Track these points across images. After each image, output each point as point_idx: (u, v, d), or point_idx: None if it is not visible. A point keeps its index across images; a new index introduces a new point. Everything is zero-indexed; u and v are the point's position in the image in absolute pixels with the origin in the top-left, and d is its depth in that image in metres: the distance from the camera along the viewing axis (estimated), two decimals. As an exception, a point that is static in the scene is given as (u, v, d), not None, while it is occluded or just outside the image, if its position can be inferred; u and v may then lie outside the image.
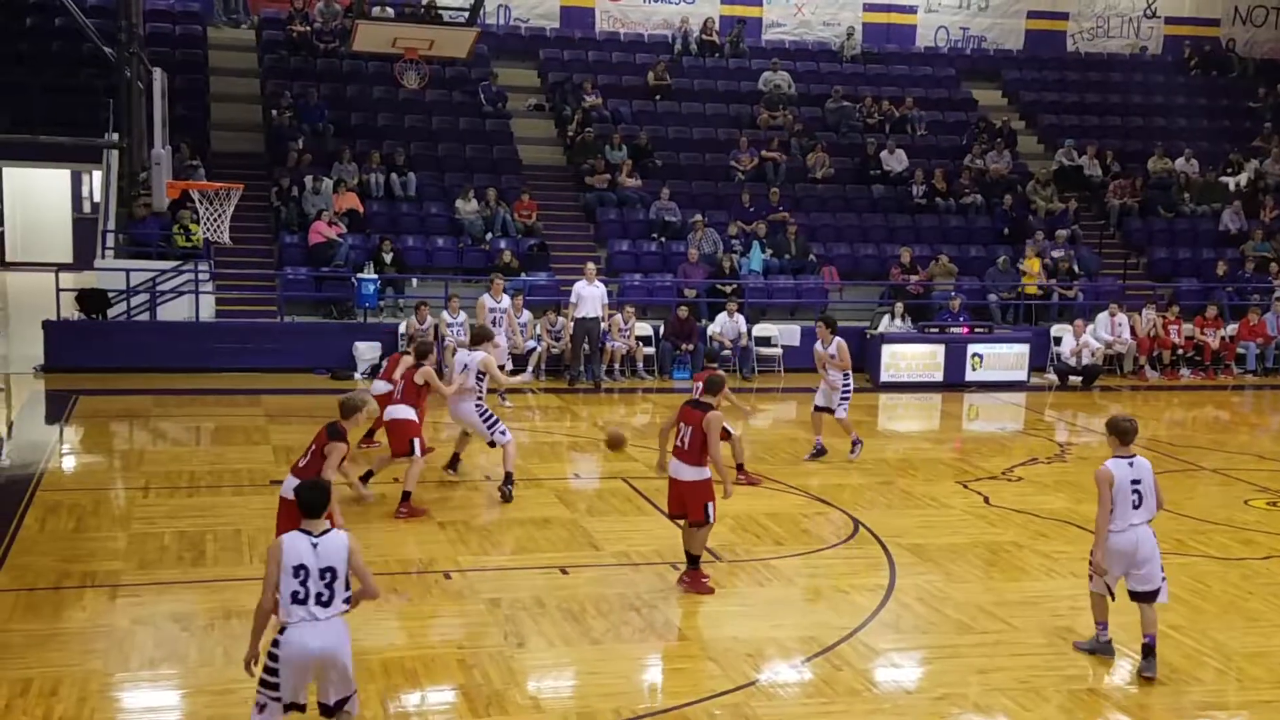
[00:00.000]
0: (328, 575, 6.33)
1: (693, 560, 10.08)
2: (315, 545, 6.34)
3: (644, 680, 8.53)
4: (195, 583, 9.80)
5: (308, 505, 6.46)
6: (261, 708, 6.50)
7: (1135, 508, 8.42)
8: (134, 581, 9.84)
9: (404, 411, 12.06)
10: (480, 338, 12.88)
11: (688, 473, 9.83)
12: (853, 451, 14.79)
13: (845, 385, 14.66)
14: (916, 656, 8.95)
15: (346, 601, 6.48)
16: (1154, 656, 8.47)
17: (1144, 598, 8.51)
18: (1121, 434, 8.48)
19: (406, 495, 11.81)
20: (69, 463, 14.57)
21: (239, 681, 8.05)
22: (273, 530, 9.72)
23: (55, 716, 7.43)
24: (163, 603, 9.39)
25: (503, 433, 12.41)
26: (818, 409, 14.89)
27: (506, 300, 18.09)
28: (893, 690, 8.36)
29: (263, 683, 6.49)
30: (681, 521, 10.07)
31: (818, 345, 14.81)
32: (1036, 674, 8.55)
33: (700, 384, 10.55)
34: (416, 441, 11.91)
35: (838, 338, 14.59)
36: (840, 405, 14.67)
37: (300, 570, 6.29)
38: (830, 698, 8.14)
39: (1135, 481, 8.42)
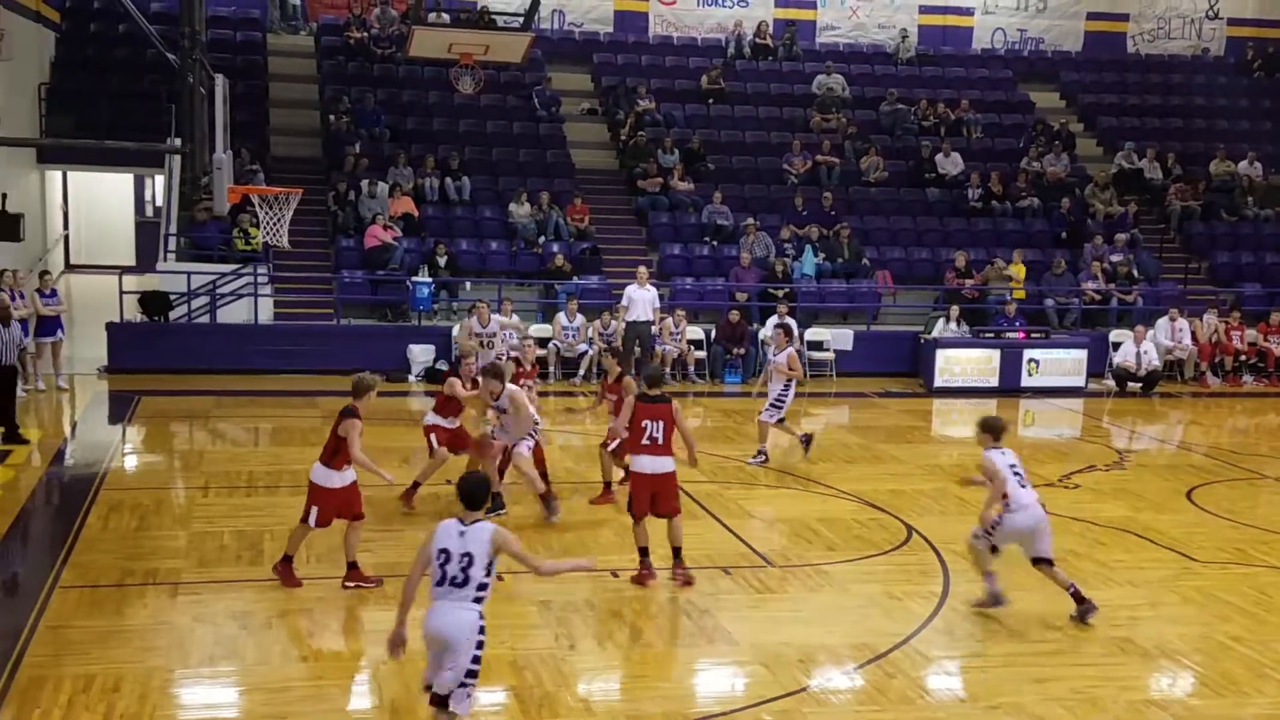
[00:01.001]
0: (465, 560, 6.54)
1: (678, 552, 10.19)
2: (463, 533, 6.59)
3: (694, 684, 8.54)
4: (253, 581, 9.93)
5: (467, 497, 6.71)
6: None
7: (1023, 488, 9.55)
8: (194, 580, 9.99)
9: (430, 418, 12.41)
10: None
11: (667, 464, 9.99)
12: (754, 457, 14.60)
13: (782, 394, 14.54)
14: (971, 665, 8.88)
15: (483, 589, 6.60)
16: (1086, 600, 9.48)
17: (1044, 563, 9.59)
18: (994, 431, 9.77)
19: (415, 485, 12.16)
20: (131, 462, 14.82)
21: (295, 679, 8.18)
22: (325, 531, 9.86)
23: (117, 712, 7.56)
24: (222, 601, 9.53)
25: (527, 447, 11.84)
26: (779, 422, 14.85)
27: (495, 324, 16.92)
28: (946, 698, 8.30)
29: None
30: (649, 518, 10.08)
31: (770, 352, 14.84)
32: (1094, 684, 8.45)
33: (643, 380, 10.46)
34: (433, 436, 12.21)
35: (790, 348, 14.68)
36: (768, 411, 14.57)
37: (443, 554, 6.58)
38: (882, 705, 8.09)
39: (1012, 465, 9.58)
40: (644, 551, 10.19)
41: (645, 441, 9.97)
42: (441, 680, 6.62)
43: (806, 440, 14.97)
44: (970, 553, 9.96)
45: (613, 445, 12.15)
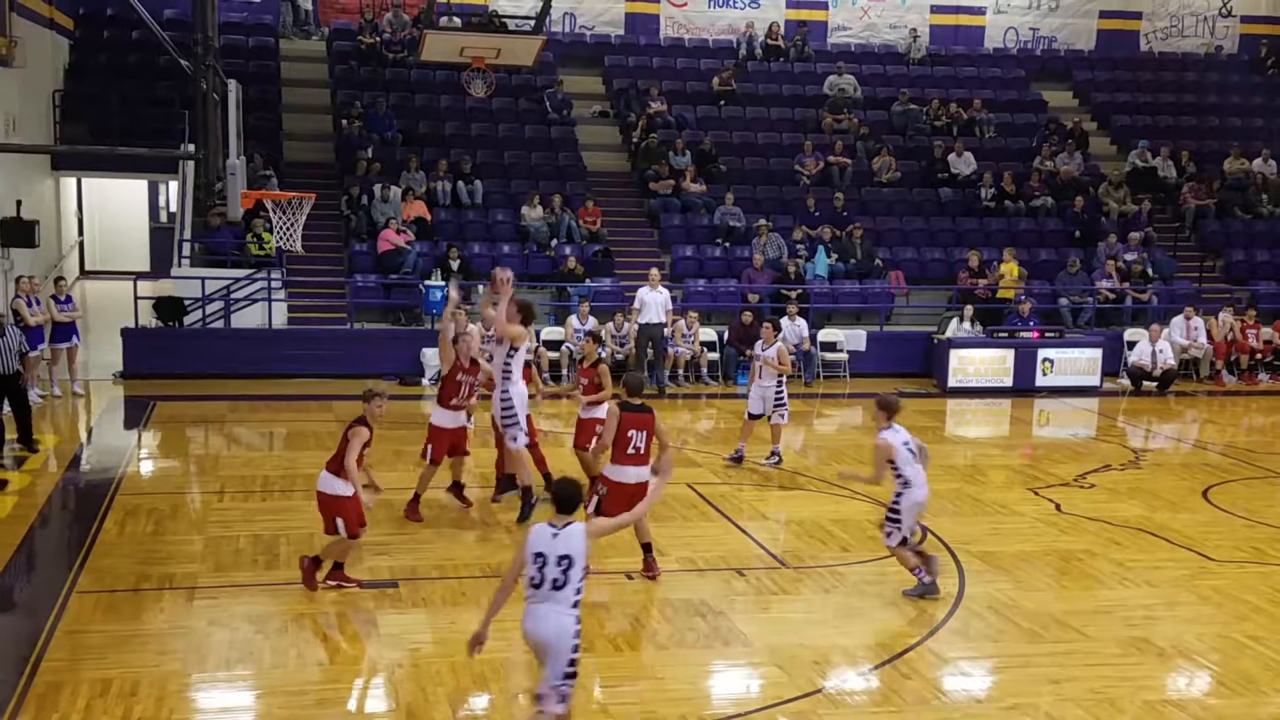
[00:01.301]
0: (564, 562, 6.62)
1: (648, 548, 10.41)
2: (555, 535, 6.66)
3: (710, 686, 8.53)
4: (269, 585, 9.96)
5: (561, 501, 6.80)
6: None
7: (917, 462, 9.90)
8: (210, 584, 10.03)
9: (436, 417, 12.19)
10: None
11: (646, 474, 9.98)
12: (770, 458, 14.50)
13: (780, 392, 14.44)
14: (986, 665, 8.87)
15: (579, 592, 6.68)
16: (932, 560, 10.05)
17: (924, 531, 10.42)
18: (890, 410, 9.98)
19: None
20: (147, 467, 14.87)
21: (312, 683, 8.21)
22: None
23: (134, 717, 7.59)
24: (238, 605, 9.57)
25: (513, 439, 11.78)
26: (752, 416, 14.63)
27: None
28: (962, 699, 8.28)
29: None
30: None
31: (758, 347, 14.57)
32: (1110, 684, 8.43)
33: (624, 388, 10.41)
34: (431, 447, 12.03)
35: (778, 342, 14.54)
36: (778, 412, 14.45)
37: (538, 557, 6.64)
38: (899, 706, 8.08)
39: (906, 443, 9.89)
40: (647, 547, 10.43)
41: (630, 451, 10.02)
42: (544, 677, 6.73)
43: (777, 457, 14.60)
44: (895, 556, 10.14)
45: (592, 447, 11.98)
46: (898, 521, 9.90)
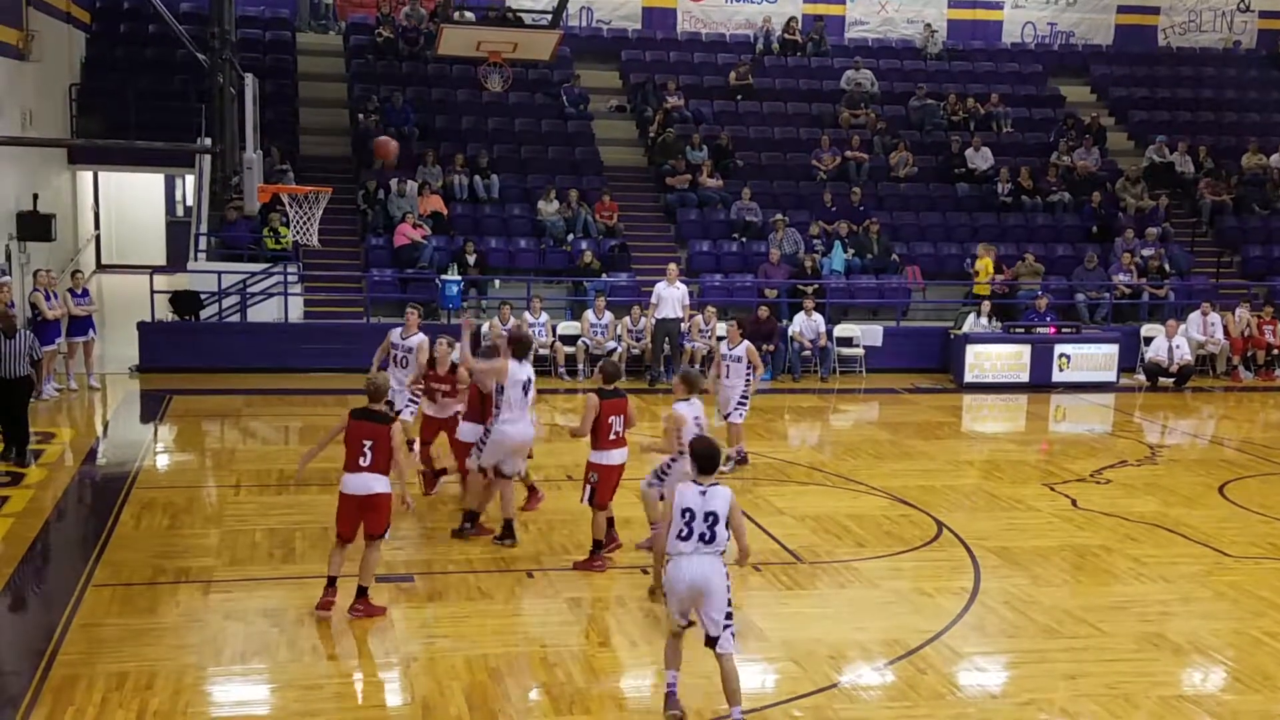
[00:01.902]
0: (710, 518, 7.40)
1: (599, 544, 10.62)
2: (703, 493, 7.45)
3: (725, 681, 8.52)
4: (285, 579, 9.99)
5: (703, 463, 7.55)
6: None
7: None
8: (226, 577, 10.07)
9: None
10: (527, 344, 11.41)
11: (626, 456, 10.49)
12: (726, 465, 13.26)
13: (745, 391, 13.86)
14: (1002, 661, 8.85)
15: (724, 544, 7.43)
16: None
17: None
18: (690, 385, 10.25)
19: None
20: (163, 461, 14.93)
21: (328, 676, 8.24)
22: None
23: (150, 710, 7.62)
24: (254, 598, 9.60)
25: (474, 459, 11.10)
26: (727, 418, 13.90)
27: (417, 339, 13.12)
28: (977, 694, 8.26)
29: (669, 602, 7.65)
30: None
31: (723, 347, 13.96)
32: (1126, 680, 8.40)
33: (601, 375, 10.63)
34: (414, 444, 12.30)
35: (746, 340, 13.89)
36: (738, 410, 13.81)
37: (686, 513, 7.43)
38: (914, 701, 8.07)
39: (696, 418, 10.07)
40: (599, 544, 10.56)
41: (611, 437, 10.29)
42: (708, 624, 7.47)
43: (740, 457, 14.05)
44: (642, 500, 10.46)
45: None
46: (661, 483, 10.13)
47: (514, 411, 10.67)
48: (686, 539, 7.40)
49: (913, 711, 7.93)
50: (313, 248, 18.46)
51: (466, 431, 11.66)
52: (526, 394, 10.72)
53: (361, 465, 9.05)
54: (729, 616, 7.46)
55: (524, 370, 10.78)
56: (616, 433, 10.31)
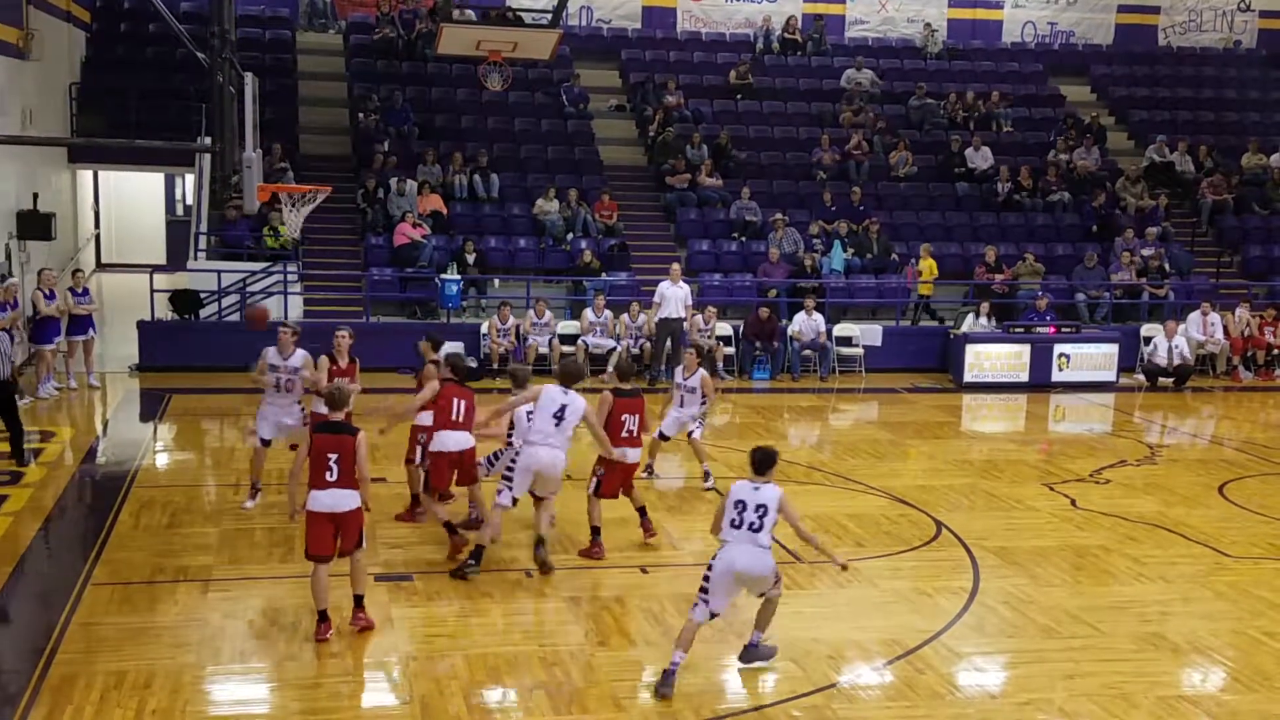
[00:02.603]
0: (760, 510, 8.13)
1: (598, 531, 10.90)
2: (756, 489, 8.18)
3: (724, 680, 8.52)
4: (284, 578, 9.98)
5: (759, 463, 8.31)
6: (695, 606, 8.25)
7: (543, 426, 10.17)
8: (225, 576, 10.07)
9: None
10: (574, 374, 10.76)
11: (639, 454, 11.05)
12: (707, 480, 13.19)
13: (700, 411, 13.26)
14: (1001, 661, 8.85)
15: (769, 537, 8.17)
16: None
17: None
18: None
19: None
20: (162, 460, 14.93)
21: (327, 675, 8.24)
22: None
23: (149, 709, 7.62)
24: (253, 597, 9.60)
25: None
26: (664, 438, 13.32)
27: (298, 357, 12.03)
28: (976, 694, 8.27)
29: (701, 588, 8.23)
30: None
31: (677, 375, 13.29)
32: (1125, 680, 8.40)
33: (616, 374, 11.13)
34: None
35: (701, 369, 13.22)
36: (698, 427, 13.31)
37: (739, 504, 8.18)
38: (912, 701, 8.07)
39: (529, 411, 10.40)
40: (597, 530, 10.92)
41: (624, 435, 10.72)
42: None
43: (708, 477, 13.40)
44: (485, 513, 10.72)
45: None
46: (510, 481, 10.21)
47: (542, 435, 10.11)
48: (737, 527, 8.14)
49: (911, 711, 7.93)
50: (296, 242, 18.33)
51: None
52: (559, 422, 10.10)
53: (329, 480, 8.63)
54: (778, 580, 8.37)
55: (563, 398, 10.16)
56: (630, 430, 10.71)
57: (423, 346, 11.86)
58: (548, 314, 20.02)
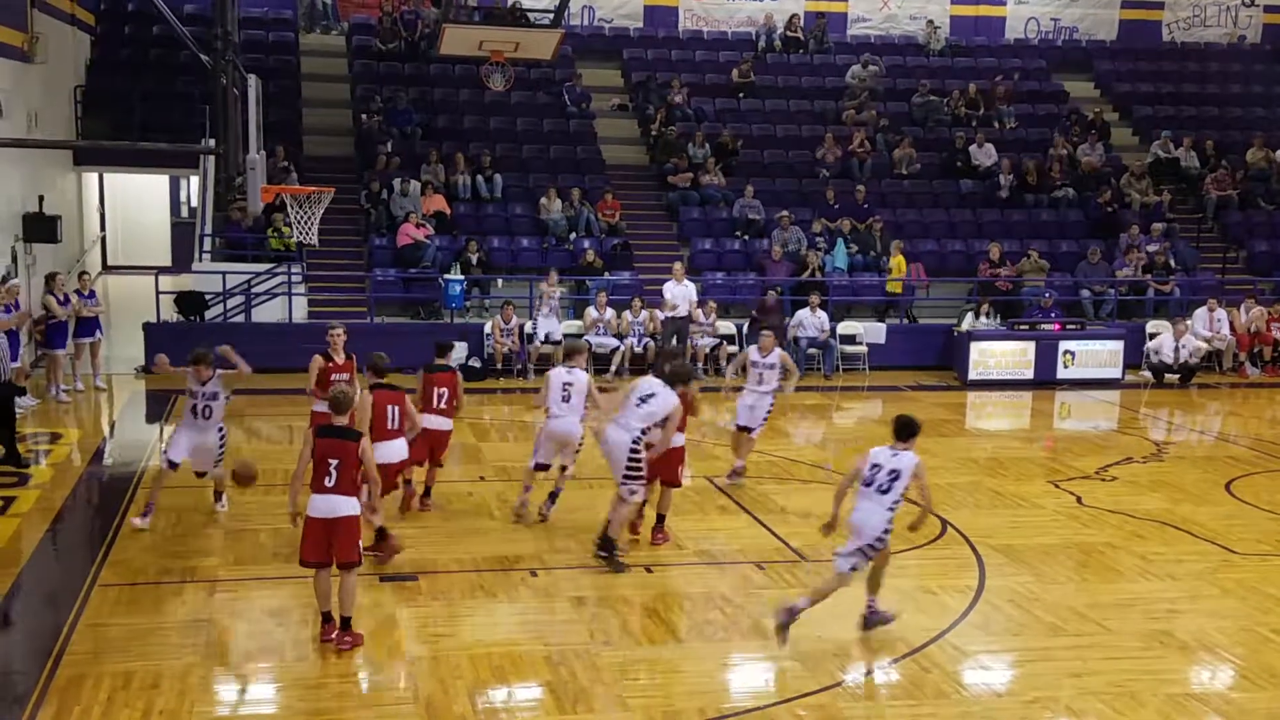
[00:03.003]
0: (893, 475, 8.71)
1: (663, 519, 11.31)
2: (895, 454, 8.79)
3: (729, 679, 8.52)
4: (290, 579, 9.97)
5: (900, 430, 8.92)
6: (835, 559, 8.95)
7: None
8: (231, 577, 10.08)
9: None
10: (573, 350, 11.79)
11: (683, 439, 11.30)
12: (734, 476, 13.34)
13: (770, 404, 13.34)
14: (1007, 659, 8.84)
15: (897, 502, 8.77)
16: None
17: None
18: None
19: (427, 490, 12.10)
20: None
21: (332, 675, 8.24)
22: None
23: (156, 709, 7.63)
24: (259, 598, 9.61)
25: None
26: (740, 428, 13.37)
27: (216, 380, 11.57)
28: (982, 693, 8.26)
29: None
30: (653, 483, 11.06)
31: (753, 354, 13.33)
32: (1132, 678, 8.38)
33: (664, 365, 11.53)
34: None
35: (779, 348, 13.46)
36: (761, 423, 13.36)
37: (875, 466, 8.80)
38: (918, 700, 8.06)
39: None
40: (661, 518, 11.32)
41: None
42: (859, 556, 8.83)
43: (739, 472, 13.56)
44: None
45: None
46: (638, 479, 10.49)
47: (557, 408, 11.31)
48: (869, 485, 8.77)
49: (917, 710, 7.92)
50: (313, 247, 18.47)
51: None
52: (567, 396, 11.25)
53: (327, 485, 8.50)
54: (863, 553, 8.79)
55: (566, 375, 11.37)
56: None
57: (371, 365, 11.12)
58: (555, 298, 20.05)
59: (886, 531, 8.76)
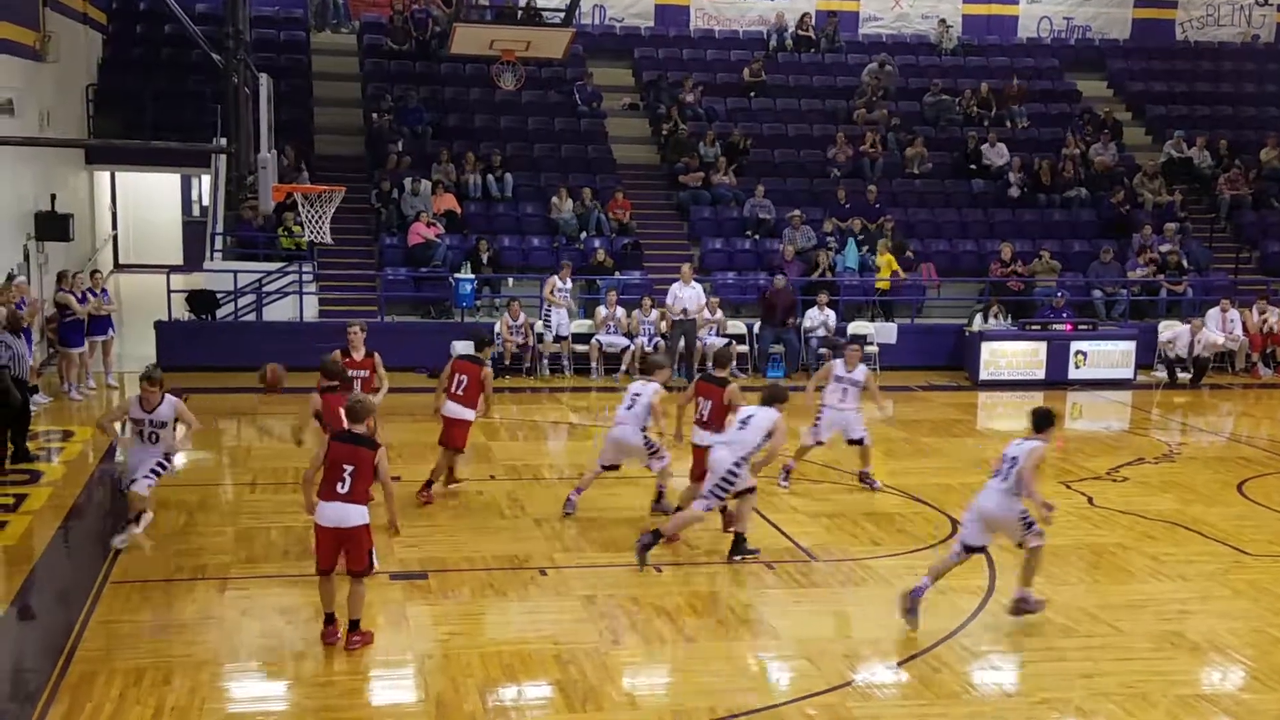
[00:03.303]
0: (1012, 461, 8.98)
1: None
2: (1020, 444, 9.11)
3: (738, 679, 8.51)
4: (300, 577, 9.99)
5: (1036, 420, 9.28)
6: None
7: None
8: (242, 575, 10.11)
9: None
10: (654, 366, 12.18)
11: (709, 438, 11.11)
12: (784, 476, 13.26)
13: (859, 410, 13.23)
14: (1017, 659, 8.82)
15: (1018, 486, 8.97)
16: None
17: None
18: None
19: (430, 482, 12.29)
20: (179, 459, 14.88)
21: (342, 673, 8.26)
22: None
23: (168, 706, 7.66)
24: (269, 596, 9.64)
25: (660, 456, 11.78)
26: (851, 441, 13.31)
27: (168, 405, 11.03)
28: (992, 693, 8.24)
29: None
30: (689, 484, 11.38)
31: (840, 369, 13.20)
32: (1143, 679, 8.36)
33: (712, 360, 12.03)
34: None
35: (864, 364, 13.40)
36: (867, 432, 13.30)
37: (1004, 457, 9.10)
38: (928, 700, 8.05)
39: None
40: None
41: (697, 416, 11.44)
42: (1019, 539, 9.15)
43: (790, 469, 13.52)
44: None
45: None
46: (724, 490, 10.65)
47: (621, 414, 11.80)
48: (995, 475, 9.12)
49: (927, 710, 7.91)
50: (327, 245, 18.52)
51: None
52: (631, 404, 11.66)
53: (339, 492, 8.42)
54: (1029, 526, 9.01)
55: (639, 385, 11.84)
56: (701, 414, 11.34)
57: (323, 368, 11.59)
58: (565, 286, 20.07)
59: (1025, 515, 9.04)
